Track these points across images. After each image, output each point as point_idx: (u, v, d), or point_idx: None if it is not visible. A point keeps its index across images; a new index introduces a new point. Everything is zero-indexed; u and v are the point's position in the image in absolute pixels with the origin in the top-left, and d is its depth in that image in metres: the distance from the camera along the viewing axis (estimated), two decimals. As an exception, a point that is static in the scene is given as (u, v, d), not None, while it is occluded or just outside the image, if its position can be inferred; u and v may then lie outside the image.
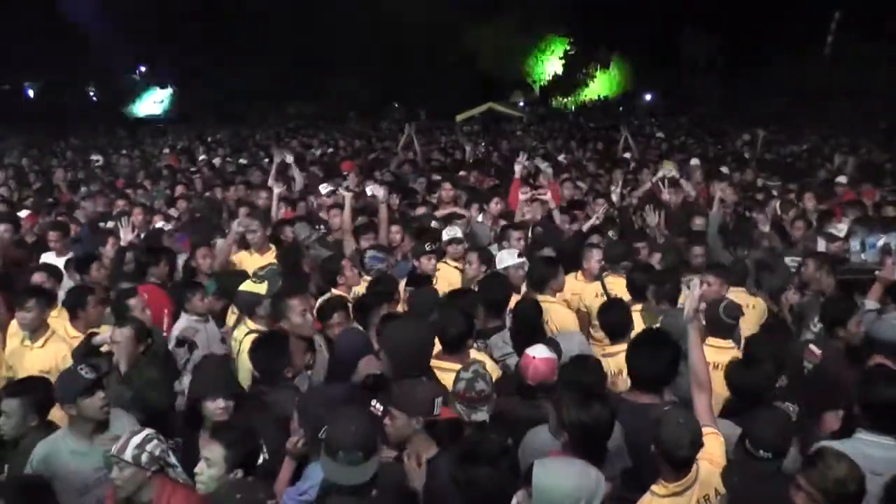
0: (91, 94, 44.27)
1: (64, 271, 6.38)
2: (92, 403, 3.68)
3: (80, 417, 3.72)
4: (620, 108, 40.97)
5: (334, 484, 3.05)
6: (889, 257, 5.36)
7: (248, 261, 6.65)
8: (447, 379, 3.91)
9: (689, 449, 3.13)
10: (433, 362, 4.17)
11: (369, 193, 7.46)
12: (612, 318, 4.80)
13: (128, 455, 3.27)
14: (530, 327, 4.72)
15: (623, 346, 4.37)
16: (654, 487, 3.22)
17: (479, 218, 8.33)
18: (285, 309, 4.57)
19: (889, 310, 5.02)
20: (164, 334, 5.37)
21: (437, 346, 4.28)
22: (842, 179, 10.62)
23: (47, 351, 4.91)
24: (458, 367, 3.98)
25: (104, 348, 4.57)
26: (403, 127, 17.42)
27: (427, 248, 6.32)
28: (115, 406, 3.97)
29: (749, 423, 3.39)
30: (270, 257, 6.55)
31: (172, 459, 3.48)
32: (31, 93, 42.12)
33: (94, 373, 3.74)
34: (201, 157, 16.90)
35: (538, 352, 4.01)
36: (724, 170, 11.79)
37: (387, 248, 6.69)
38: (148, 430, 3.42)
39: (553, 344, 4.20)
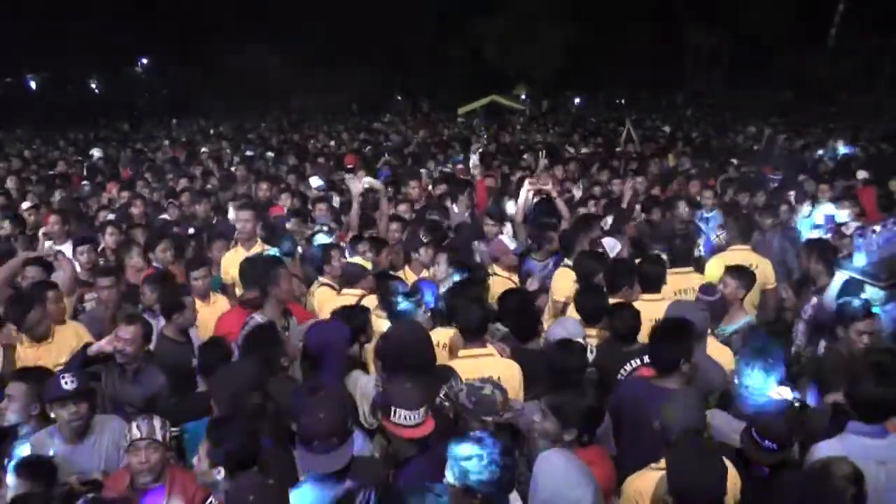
0: (93, 86, 44.22)
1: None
2: (60, 414, 3.72)
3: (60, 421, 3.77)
4: (622, 102, 40.95)
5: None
6: None
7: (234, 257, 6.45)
8: (479, 364, 4.15)
9: (679, 434, 3.19)
10: (462, 352, 4.32)
11: (367, 186, 7.48)
12: (588, 303, 4.90)
13: (158, 436, 3.35)
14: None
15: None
16: (651, 464, 3.30)
17: (455, 209, 8.41)
18: (277, 276, 4.88)
19: None
20: None
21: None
22: (862, 174, 10.52)
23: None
24: (483, 350, 4.26)
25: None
26: (406, 119, 17.43)
27: (424, 240, 6.32)
28: (124, 403, 4.07)
29: (757, 413, 3.41)
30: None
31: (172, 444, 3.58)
32: (33, 85, 42.06)
33: (76, 385, 3.72)
34: (203, 150, 16.91)
35: None
36: (734, 162, 11.75)
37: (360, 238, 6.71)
38: (157, 415, 3.49)
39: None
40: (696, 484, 2.85)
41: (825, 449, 3.36)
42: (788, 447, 3.37)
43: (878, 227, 5.30)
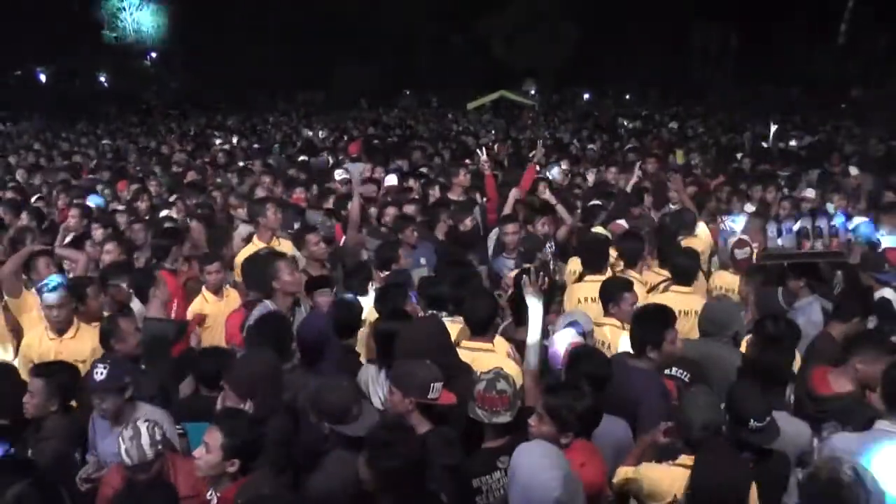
0: (102, 79, 44.26)
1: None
2: (95, 401, 3.79)
3: None
4: (627, 97, 40.88)
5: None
6: (807, 241, 5.33)
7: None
8: (476, 358, 4.03)
9: (700, 431, 3.18)
10: (464, 343, 4.24)
11: (386, 183, 7.54)
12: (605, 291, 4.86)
13: (150, 455, 3.29)
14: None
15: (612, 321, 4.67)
16: (669, 461, 3.29)
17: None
18: (277, 270, 4.95)
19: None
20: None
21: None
22: (852, 170, 10.52)
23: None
24: (486, 345, 4.18)
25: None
26: (415, 114, 17.44)
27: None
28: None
29: (730, 400, 3.39)
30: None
31: (172, 429, 3.63)
32: (42, 78, 42.12)
33: (102, 378, 3.72)
34: (216, 141, 16.98)
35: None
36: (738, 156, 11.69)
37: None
38: (146, 423, 3.39)
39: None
40: (723, 484, 2.86)
41: (840, 442, 3.34)
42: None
43: (794, 226, 5.38)
